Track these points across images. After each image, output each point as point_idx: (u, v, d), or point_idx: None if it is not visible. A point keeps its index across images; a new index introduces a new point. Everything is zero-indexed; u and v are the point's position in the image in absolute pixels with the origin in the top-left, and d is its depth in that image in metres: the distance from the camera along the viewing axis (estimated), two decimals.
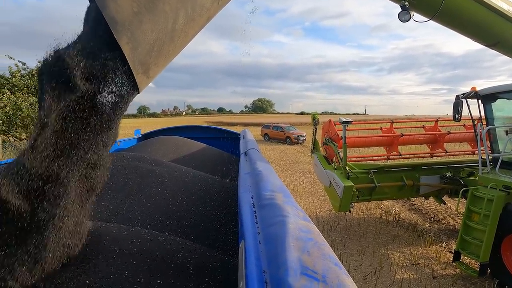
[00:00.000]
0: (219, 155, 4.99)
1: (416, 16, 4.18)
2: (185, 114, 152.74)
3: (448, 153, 7.31)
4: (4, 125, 13.90)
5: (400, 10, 4.08)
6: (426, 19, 4.27)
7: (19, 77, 15.26)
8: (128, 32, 1.18)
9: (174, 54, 1.56)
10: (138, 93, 1.45)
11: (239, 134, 5.31)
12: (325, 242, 0.85)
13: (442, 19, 4.25)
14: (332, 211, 7.39)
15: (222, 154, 5.08)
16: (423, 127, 7.87)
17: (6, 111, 13.74)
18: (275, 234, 0.84)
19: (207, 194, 2.65)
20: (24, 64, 15.89)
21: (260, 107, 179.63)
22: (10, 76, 15.35)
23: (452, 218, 7.32)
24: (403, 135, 6.99)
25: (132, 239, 1.49)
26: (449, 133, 7.21)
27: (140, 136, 6.11)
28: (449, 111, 5.29)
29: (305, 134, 23.95)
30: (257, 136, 24.66)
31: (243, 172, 1.96)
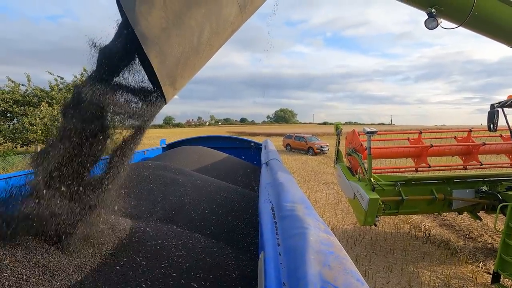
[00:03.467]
0: (241, 165, 5.03)
1: (444, 23, 4.03)
2: (209, 125, 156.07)
3: (483, 166, 6.83)
4: (43, 135, 14.96)
5: (427, 17, 3.96)
6: (454, 25, 4.10)
7: (57, 91, 16.43)
8: (157, 47, 1.24)
9: (199, 66, 1.61)
10: (165, 103, 1.50)
11: (261, 144, 5.32)
12: (347, 256, 0.82)
13: (472, 25, 4.06)
14: (357, 225, 7.11)
15: (244, 164, 5.11)
16: (455, 137, 7.44)
17: (44, 122, 14.81)
18: (295, 246, 0.82)
19: (229, 203, 2.66)
20: (62, 78, 17.15)
21: (282, 117, 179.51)
22: (50, 89, 16.61)
23: (490, 236, 6.78)
24: (432, 146, 6.64)
25: (158, 241, 1.52)
26: (484, 144, 6.76)
27: (165, 145, 6.32)
28: (482, 120, 5.00)
29: (327, 144, 23.54)
30: (279, 147, 24.56)
31: (264, 182, 1.96)
